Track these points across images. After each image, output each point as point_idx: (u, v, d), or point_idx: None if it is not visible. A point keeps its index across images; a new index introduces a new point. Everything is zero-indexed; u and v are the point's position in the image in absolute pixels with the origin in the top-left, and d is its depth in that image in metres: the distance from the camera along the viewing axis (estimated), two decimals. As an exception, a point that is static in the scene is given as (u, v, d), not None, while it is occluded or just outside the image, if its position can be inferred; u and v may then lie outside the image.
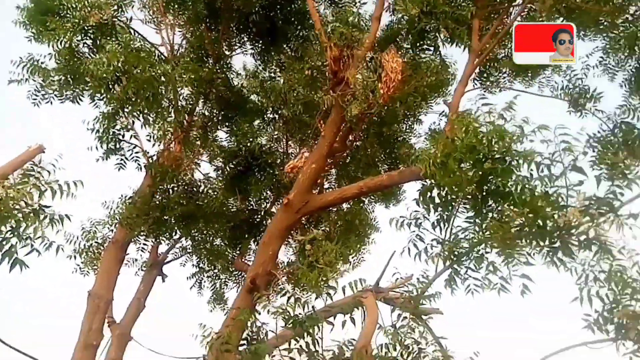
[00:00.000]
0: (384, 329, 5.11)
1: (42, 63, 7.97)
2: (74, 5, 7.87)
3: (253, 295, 6.18)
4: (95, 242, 8.59)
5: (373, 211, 10.79)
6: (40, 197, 4.81)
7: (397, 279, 5.63)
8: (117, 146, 7.63)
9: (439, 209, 5.01)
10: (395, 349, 4.81)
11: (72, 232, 8.57)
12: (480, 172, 4.51)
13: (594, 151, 6.78)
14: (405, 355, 4.78)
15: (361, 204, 10.56)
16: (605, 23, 7.29)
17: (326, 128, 6.81)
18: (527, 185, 4.27)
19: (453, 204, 5.00)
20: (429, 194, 4.96)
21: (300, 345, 4.77)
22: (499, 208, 4.66)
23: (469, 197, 4.90)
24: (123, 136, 7.67)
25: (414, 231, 5.10)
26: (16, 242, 4.62)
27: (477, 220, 4.88)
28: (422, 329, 5.00)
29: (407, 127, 10.17)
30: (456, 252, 4.87)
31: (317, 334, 4.80)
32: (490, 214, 4.76)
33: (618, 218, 4.20)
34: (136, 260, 9.76)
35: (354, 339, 5.06)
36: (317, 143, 7.15)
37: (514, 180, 4.35)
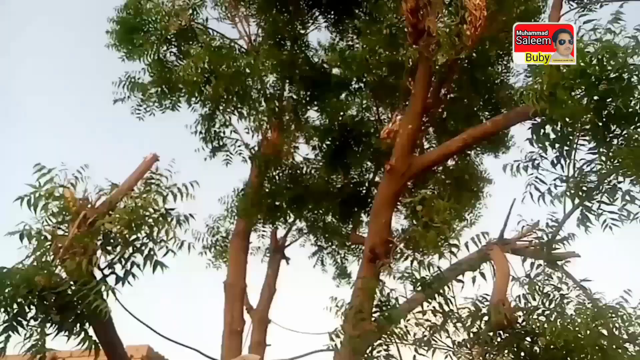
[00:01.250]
0: (519, 280, 4.90)
1: (138, 79, 8.58)
2: (154, 18, 8.36)
3: (375, 264, 6.24)
4: (220, 236, 9.19)
5: (482, 163, 10.34)
6: (164, 202, 5.09)
7: (523, 227, 5.33)
8: (221, 143, 8.04)
9: (556, 145, 4.64)
10: (534, 298, 4.59)
11: (198, 230, 9.24)
12: (595, 97, 4.08)
13: None
14: (547, 303, 4.54)
15: (467, 158, 10.16)
16: None
17: (416, 85, 6.56)
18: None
19: (570, 137, 4.61)
20: (542, 131, 4.60)
21: (434, 307, 4.73)
22: (624, 132, 4.19)
23: (588, 126, 4.48)
24: (224, 133, 8.05)
25: (532, 174, 4.79)
26: (153, 246, 4.95)
27: (601, 149, 4.44)
28: (561, 275, 4.71)
29: (503, 68, 9.51)
30: (584, 188, 4.48)
31: (448, 294, 4.73)
32: (615, 140, 4.31)
33: None
34: (259, 248, 10.34)
35: (487, 294, 4.93)
36: (408, 103, 6.93)
37: (636, 97, 3.88)
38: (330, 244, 10.34)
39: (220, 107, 7.72)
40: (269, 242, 10.15)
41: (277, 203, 8.84)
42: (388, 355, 4.87)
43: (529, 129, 4.74)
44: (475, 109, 9.67)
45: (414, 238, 6.59)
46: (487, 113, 9.59)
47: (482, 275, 4.89)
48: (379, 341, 4.88)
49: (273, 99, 8.64)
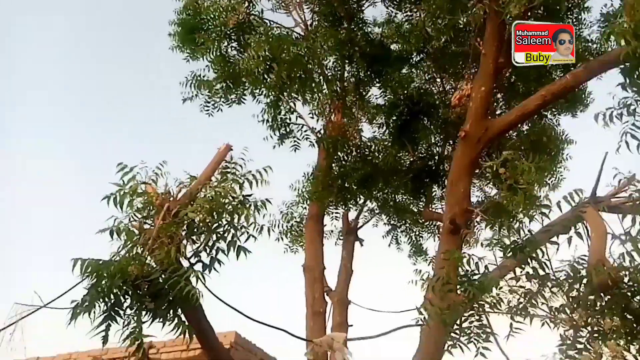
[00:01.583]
0: (619, 238, 4.53)
1: (204, 77, 8.79)
2: (212, 16, 8.52)
3: (456, 236, 6.03)
4: (295, 221, 9.30)
5: (559, 124, 9.77)
6: (241, 189, 5.15)
7: (620, 180, 4.90)
8: (288, 130, 8.08)
9: (655, 86, 4.21)
10: (640, 255, 4.22)
11: (274, 216, 9.39)
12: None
13: None
14: (657, 259, 4.16)
15: (543, 120, 9.63)
16: None
17: (486, 45, 6.24)
18: None
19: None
20: (636, 73, 4.19)
21: (527, 272, 4.48)
22: None
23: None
24: (290, 119, 8.08)
25: (626, 121, 4.38)
26: (235, 232, 4.96)
27: None
28: (668, 229, 4.29)
29: (574, 21, 8.88)
30: (693, 129, 4.05)
31: (542, 257, 4.45)
32: None
33: None
34: (332, 232, 10.32)
35: (584, 256, 4.60)
36: (480, 65, 6.59)
37: None
38: (403, 222, 10.16)
39: (284, 94, 7.76)
40: (341, 225, 10.15)
41: (346, 185, 8.80)
42: (481, 325, 4.68)
43: (619, 72, 4.33)
44: (547, 67, 9.12)
45: (496, 205, 6.31)
46: (559, 71, 9.03)
47: (579, 235, 4.55)
48: (470, 312, 4.69)
49: (334, 79, 8.57)
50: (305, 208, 9.16)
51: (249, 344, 10.54)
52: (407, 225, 10.38)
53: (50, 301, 4.72)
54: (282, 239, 9.36)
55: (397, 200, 9.88)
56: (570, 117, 9.70)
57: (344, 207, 9.33)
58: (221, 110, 9.03)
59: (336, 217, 9.45)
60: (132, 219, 4.97)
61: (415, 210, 10.12)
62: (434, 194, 9.92)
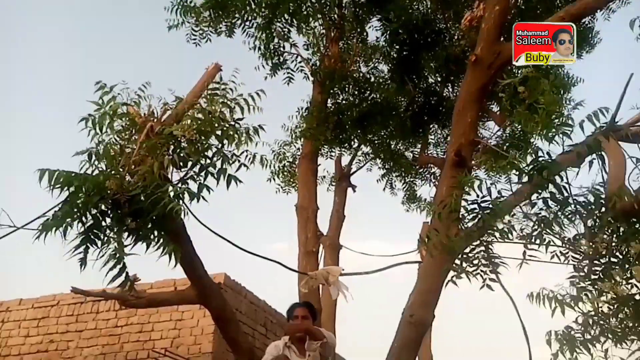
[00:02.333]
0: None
1: (190, 2, 8.10)
2: None
3: (462, 169, 5.64)
4: (287, 161, 8.87)
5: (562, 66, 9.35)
6: (232, 113, 4.73)
7: (646, 103, 4.50)
8: (281, 60, 7.51)
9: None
10: (666, 179, 3.88)
11: (265, 157, 8.93)
12: None
13: None
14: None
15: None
16: None
17: (502, -41, 5.67)
18: None
19: None
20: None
21: (543, 197, 4.11)
22: None
23: None
24: (284, 48, 7.50)
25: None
26: (224, 159, 4.56)
27: None
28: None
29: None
30: None
31: (563, 182, 4.09)
32: None
33: None
34: (324, 177, 10.04)
35: (602, 184, 4.26)
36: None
37: None
38: (398, 166, 9.80)
39: (277, 16, 7.11)
40: (334, 170, 9.81)
41: (342, 122, 8.33)
42: (489, 256, 4.35)
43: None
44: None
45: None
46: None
47: (601, 158, 4.19)
48: (477, 241, 4.35)
49: (332, 5, 7.94)
50: (299, 149, 8.72)
51: (237, 286, 10.36)
52: (402, 171, 10.04)
53: (26, 223, 4.27)
54: (274, 179, 8.96)
55: (392, 146, 9.50)
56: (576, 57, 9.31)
57: (338, 146, 8.90)
58: (210, 40, 8.40)
59: (331, 156, 9.04)
60: (113, 142, 4.53)
61: (410, 156, 9.80)
62: (430, 137, 9.58)
